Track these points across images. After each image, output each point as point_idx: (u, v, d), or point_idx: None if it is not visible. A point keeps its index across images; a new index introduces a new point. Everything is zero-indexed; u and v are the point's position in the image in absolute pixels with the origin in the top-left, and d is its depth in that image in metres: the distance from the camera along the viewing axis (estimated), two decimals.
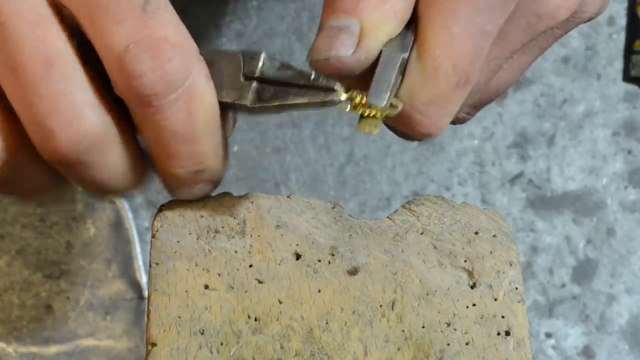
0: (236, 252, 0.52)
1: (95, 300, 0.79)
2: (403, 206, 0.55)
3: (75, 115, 0.45)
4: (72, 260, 0.80)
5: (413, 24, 0.50)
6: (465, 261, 0.53)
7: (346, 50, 0.48)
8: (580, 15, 0.53)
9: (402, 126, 0.50)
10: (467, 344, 0.51)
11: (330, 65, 0.48)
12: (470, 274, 0.53)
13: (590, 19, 0.54)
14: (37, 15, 0.45)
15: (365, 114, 0.48)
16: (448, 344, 0.51)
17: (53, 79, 0.45)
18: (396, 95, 0.48)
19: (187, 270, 0.51)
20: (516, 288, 0.53)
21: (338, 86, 0.47)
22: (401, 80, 0.49)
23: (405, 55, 0.48)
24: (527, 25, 0.51)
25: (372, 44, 0.48)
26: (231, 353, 0.50)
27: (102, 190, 0.49)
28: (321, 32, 0.49)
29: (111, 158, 0.48)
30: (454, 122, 0.53)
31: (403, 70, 0.48)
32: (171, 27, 0.46)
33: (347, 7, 0.48)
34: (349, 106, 0.47)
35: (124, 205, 0.81)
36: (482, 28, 0.48)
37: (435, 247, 0.53)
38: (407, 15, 0.50)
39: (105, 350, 0.78)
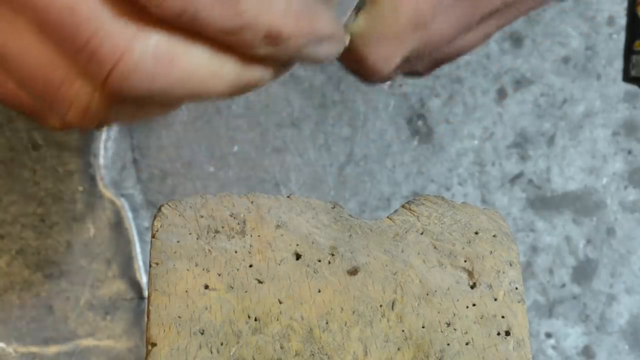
0: (236, 252, 0.52)
1: (95, 300, 0.79)
2: (403, 206, 0.55)
3: (121, 50, 0.41)
4: (72, 260, 0.80)
5: None
6: (465, 261, 0.53)
7: None
8: None
9: (352, 61, 0.50)
10: (467, 344, 0.51)
11: None
12: (470, 274, 0.53)
13: None
14: None
15: None
16: (448, 344, 0.51)
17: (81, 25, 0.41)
18: (349, 30, 0.49)
19: (187, 270, 0.51)
20: (516, 288, 0.53)
21: None
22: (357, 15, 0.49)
23: None
24: None
25: None
26: (231, 353, 0.50)
27: (225, 91, 0.45)
28: None
29: (189, 65, 0.44)
30: (411, 74, 0.53)
31: (360, 6, 0.49)
32: None
33: None
34: None
35: (124, 205, 0.81)
36: None
37: (435, 247, 0.53)
38: None
39: (105, 350, 0.78)
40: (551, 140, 0.84)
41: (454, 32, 0.51)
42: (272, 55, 0.44)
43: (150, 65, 0.42)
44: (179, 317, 0.50)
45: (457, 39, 0.52)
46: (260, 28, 0.43)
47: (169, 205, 0.53)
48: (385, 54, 0.49)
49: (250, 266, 0.52)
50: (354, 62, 0.50)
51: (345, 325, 0.51)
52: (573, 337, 0.80)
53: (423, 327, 0.51)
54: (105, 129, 0.73)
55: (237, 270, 0.52)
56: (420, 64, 0.53)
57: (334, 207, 0.54)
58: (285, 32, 0.43)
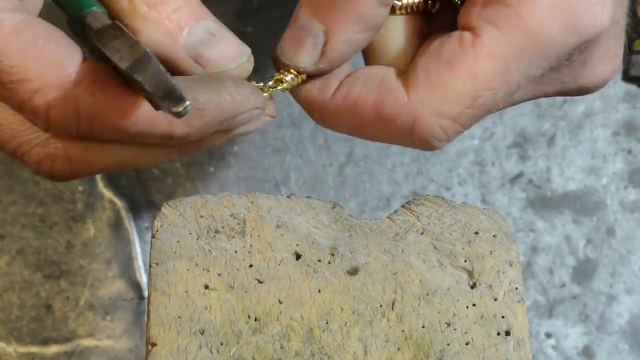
0: (236, 252, 0.52)
1: (95, 300, 0.79)
2: (403, 206, 0.55)
3: (38, 159, 0.52)
4: (72, 260, 0.80)
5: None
6: (465, 261, 0.53)
7: (307, 63, 0.51)
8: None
9: (404, 132, 0.52)
10: (467, 344, 0.51)
11: (291, 69, 0.51)
12: (470, 274, 0.53)
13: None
14: None
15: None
16: (448, 344, 0.51)
17: None
18: None
19: (187, 270, 0.51)
20: (516, 288, 0.53)
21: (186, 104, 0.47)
22: None
23: None
24: (561, 82, 0.52)
25: (335, 57, 0.50)
26: (231, 353, 0.50)
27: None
28: (291, 27, 0.51)
29: (106, 159, 0.51)
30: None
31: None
32: None
33: (317, 8, 0.49)
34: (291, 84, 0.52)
35: (124, 205, 0.81)
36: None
37: (435, 247, 0.53)
38: (380, 23, 0.50)
39: (105, 350, 0.78)
40: (551, 140, 0.84)
41: (513, 104, 0.52)
42: (182, 141, 0.50)
43: (65, 167, 0.50)
44: (179, 317, 0.50)
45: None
46: (153, 136, 0.49)
47: (169, 205, 0.53)
48: (449, 137, 0.50)
49: (250, 266, 0.52)
50: (406, 133, 0.50)
51: (345, 325, 0.51)
52: (573, 337, 0.80)
53: (423, 327, 0.51)
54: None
55: (237, 270, 0.52)
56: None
57: (334, 207, 0.54)
58: (177, 133, 0.49)
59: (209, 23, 0.51)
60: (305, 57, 0.51)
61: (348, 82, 0.51)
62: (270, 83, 0.52)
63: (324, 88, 0.52)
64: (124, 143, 0.50)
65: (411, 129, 0.50)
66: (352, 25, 0.50)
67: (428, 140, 0.50)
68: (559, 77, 0.51)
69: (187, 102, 0.45)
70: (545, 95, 0.53)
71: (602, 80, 0.53)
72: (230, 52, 0.51)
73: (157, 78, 0.45)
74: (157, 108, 0.46)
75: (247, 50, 0.52)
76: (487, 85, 0.49)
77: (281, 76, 0.52)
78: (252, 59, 0.52)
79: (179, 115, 0.45)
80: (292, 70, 0.52)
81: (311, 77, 0.52)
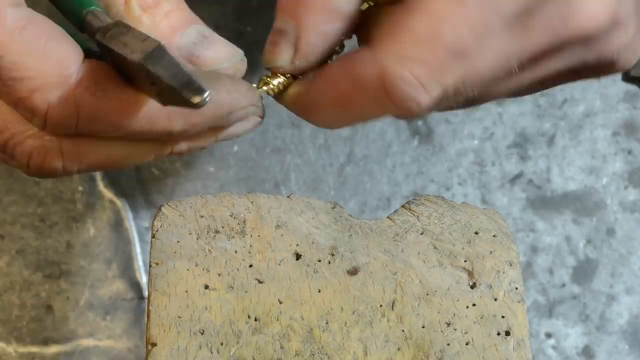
0: (236, 252, 0.52)
1: (95, 300, 0.79)
2: (403, 206, 0.55)
3: (29, 152, 0.52)
4: (72, 260, 0.80)
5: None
6: (465, 261, 0.53)
7: (284, 61, 0.51)
8: (612, 56, 0.50)
9: (382, 94, 0.50)
10: (467, 344, 0.51)
11: (277, 74, 0.51)
12: (470, 274, 0.53)
13: (617, 70, 0.52)
14: None
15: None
16: (448, 344, 0.51)
17: None
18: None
19: (187, 270, 0.51)
20: (516, 288, 0.53)
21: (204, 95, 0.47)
22: None
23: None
24: (550, 27, 0.49)
25: (309, 50, 0.50)
26: (231, 353, 0.50)
27: None
28: (271, 31, 0.51)
29: (98, 156, 0.52)
30: (448, 109, 0.51)
31: None
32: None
33: (287, 5, 0.49)
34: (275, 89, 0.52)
35: (124, 205, 0.81)
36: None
37: (435, 247, 0.53)
38: (350, 11, 0.49)
39: (105, 350, 0.78)
40: (551, 140, 0.84)
41: (501, 66, 0.49)
42: (179, 137, 0.50)
43: (57, 160, 0.50)
44: (179, 317, 0.50)
45: (505, 78, 0.50)
46: (153, 133, 0.49)
47: (169, 205, 0.53)
48: (423, 84, 0.47)
49: (250, 266, 0.52)
50: (380, 90, 0.48)
51: (345, 325, 0.51)
52: (573, 337, 0.80)
53: (423, 327, 0.51)
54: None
55: (237, 270, 0.52)
56: (460, 100, 0.50)
57: (334, 207, 0.54)
58: (176, 129, 0.49)
59: (201, 27, 0.51)
60: (281, 57, 0.51)
61: (324, 67, 0.51)
62: (261, 90, 0.52)
63: (307, 81, 0.51)
64: (119, 139, 0.50)
65: (382, 84, 0.47)
66: (320, 16, 0.49)
67: (404, 93, 0.47)
68: (545, 22, 0.48)
69: (207, 93, 0.45)
70: (537, 50, 0.49)
71: (595, 21, 0.49)
72: (223, 52, 0.51)
73: (174, 69, 0.45)
74: (164, 103, 0.46)
75: (240, 51, 0.52)
76: (446, 21, 0.46)
77: (268, 79, 0.52)
78: (245, 60, 0.52)
79: (197, 105, 0.45)
80: (279, 75, 0.52)
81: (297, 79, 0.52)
